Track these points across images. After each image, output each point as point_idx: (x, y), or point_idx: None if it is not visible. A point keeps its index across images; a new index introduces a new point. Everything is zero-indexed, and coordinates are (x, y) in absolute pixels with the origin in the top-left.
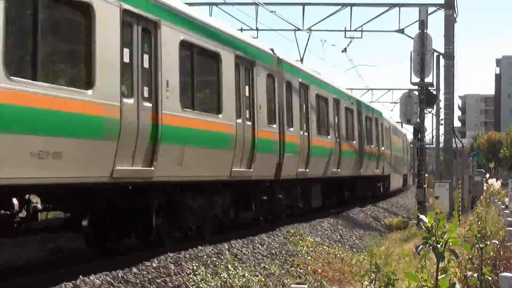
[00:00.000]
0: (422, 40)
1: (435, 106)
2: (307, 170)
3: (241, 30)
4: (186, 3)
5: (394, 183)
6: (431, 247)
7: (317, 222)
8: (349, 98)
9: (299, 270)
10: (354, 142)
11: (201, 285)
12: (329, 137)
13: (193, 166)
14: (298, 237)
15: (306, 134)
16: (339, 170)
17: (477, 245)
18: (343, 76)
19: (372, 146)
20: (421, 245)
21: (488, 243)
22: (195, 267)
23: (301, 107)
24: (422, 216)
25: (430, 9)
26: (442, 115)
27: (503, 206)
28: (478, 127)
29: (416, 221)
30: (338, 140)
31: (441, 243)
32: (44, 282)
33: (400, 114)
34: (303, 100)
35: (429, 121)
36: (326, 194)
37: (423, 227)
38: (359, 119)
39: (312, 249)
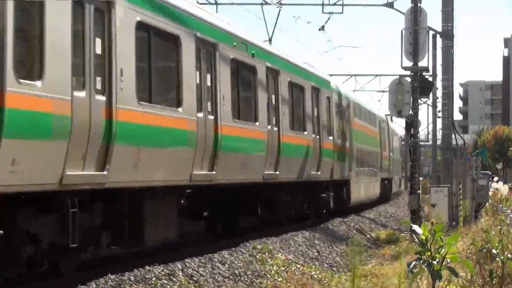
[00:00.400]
0: (415, 15)
1: (431, 95)
2: (105, 172)
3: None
4: None
5: (361, 192)
6: (425, 264)
7: (289, 236)
8: (245, 46)
9: None
10: (257, 124)
11: None
12: (180, 109)
13: None
14: (266, 254)
15: (102, 99)
16: (214, 172)
17: (497, 258)
18: (320, 59)
19: (305, 133)
20: (414, 262)
21: (511, 256)
22: None
23: (78, 39)
24: (415, 227)
25: None
26: (439, 106)
27: None
28: (483, 120)
29: (409, 234)
30: (213, 118)
31: (437, 260)
32: None
33: (389, 105)
34: (88, 31)
35: (424, 113)
36: (197, 216)
37: (416, 240)
38: (273, 87)
39: (283, 268)
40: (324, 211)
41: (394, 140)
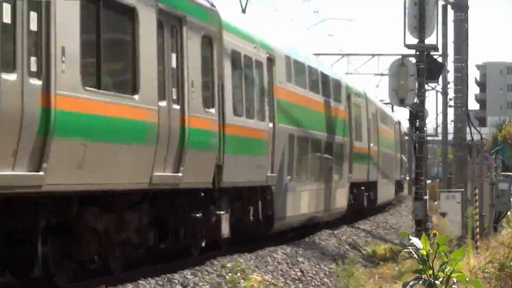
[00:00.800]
0: None
1: (440, 79)
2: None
3: None
4: None
5: (301, 207)
6: (426, 285)
7: (266, 252)
8: None
9: None
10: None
11: None
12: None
13: None
14: (238, 274)
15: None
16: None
17: None
18: (306, 34)
19: (136, 99)
20: (412, 282)
21: None
22: None
23: None
24: (414, 239)
25: None
26: (451, 93)
27: None
28: (504, 111)
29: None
30: None
31: (441, 279)
32: None
33: (389, 92)
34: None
35: (432, 102)
36: None
37: (415, 255)
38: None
39: None
40: (204, 244)
41: (383, 127)
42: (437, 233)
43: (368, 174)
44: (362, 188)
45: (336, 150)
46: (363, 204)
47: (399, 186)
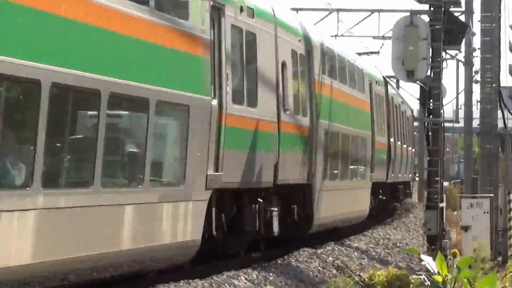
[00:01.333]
0: None
1: (463, 45)
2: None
3: None
4: None
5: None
6: None
7: (225, 278)
8: None
9: None
10: None
11: None
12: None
13: None
14: None
15: None
16: None
17: None
18: None
19: None
20: None
21: None
22: None
23: None
24: (426, 259)
25: None
26: (477, 64)
27: None
28: None
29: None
30: None
31: None
32: None
33: (393, 61)
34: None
35: (451, 75)
36: None
37: (426, 280)
38: None
39: None
40: None
41: (336, 86)
42: (457, 252)
43: (276, 172)
44: (260, 200)
45: (164, 120)
46: (267, 231)
47: (395, 190)
